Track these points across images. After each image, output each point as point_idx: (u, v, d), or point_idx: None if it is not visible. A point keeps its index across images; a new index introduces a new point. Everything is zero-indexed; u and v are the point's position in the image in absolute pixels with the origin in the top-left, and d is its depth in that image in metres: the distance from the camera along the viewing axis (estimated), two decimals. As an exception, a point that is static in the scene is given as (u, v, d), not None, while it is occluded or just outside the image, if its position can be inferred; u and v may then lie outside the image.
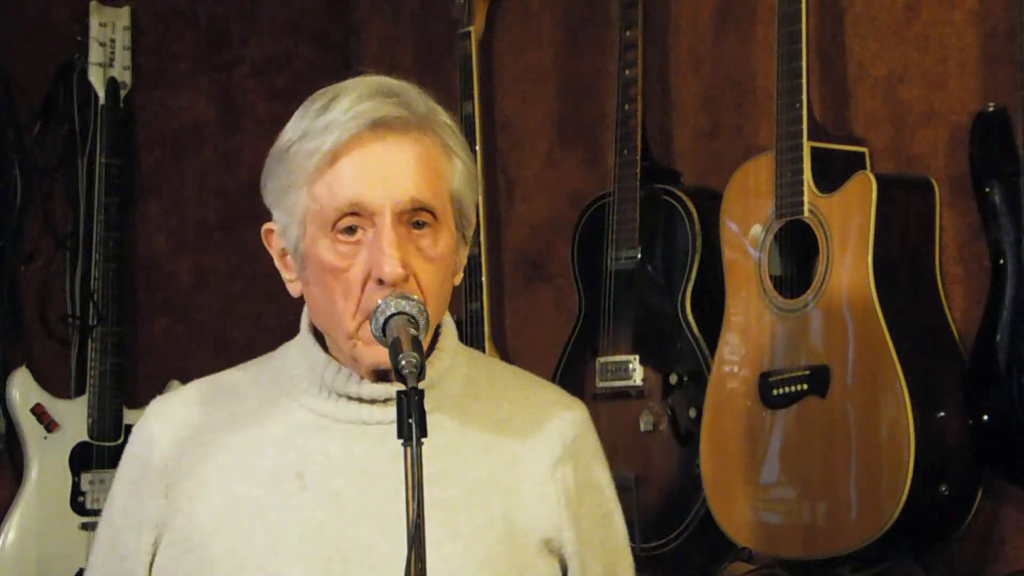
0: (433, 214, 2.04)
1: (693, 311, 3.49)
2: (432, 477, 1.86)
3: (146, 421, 2.17)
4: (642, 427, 3.50)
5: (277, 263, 2.14)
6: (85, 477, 4.20)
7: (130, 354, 4.38)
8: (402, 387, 1.87)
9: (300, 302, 2.16)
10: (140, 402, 3.83)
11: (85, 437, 4.22)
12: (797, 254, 3.24)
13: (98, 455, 4.20)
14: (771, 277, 3.25)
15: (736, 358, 3.30)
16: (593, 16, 3.99)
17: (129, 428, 2.20)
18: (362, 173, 2.02)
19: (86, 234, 4.29)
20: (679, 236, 3.52)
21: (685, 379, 3.47)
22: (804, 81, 3.19)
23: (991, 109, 3.01)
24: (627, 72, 3.62)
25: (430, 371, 2.02)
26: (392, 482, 1.98)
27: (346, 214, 2.02)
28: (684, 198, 3.53)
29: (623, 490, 3.38)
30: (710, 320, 3.41)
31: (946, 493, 3.05)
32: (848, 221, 3.13)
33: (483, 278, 4.00)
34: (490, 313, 4.01)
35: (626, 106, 3.62)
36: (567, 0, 4.10)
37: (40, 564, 4.14)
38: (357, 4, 4.71)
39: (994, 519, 3.12)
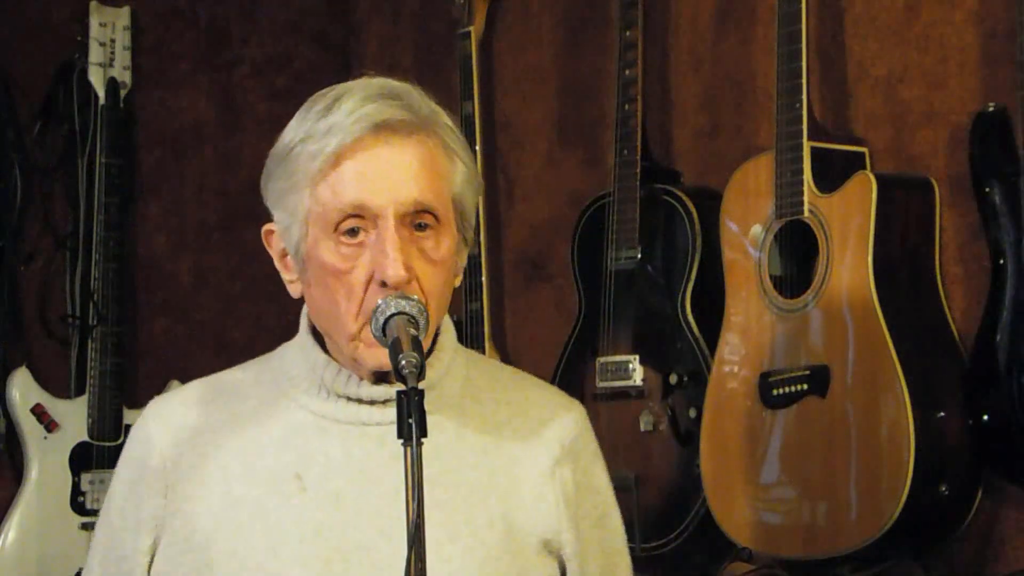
0: (435, 216, 2.04)
1: (693, 311, 3.49)
2: (431, 478, 1.86)
3: (144, 422, 2.17)
4: (642, 427, 3.50)
5: (277, 264, 2.14)
6: (85, 477, 4.20)
7: (130, 354, 4.38)
8: (402, 387, 1.87)
9: (300, 302, 2.16)
10: (140, 402, 3.83)
11: (85, 437, 4.22)
12: (797, 254, 3.24)
13: (98, 455, 4.20)
14: (771, 277, 3.25)
15: (736, 358, 3.30)
16: (593, 16, 3.99)
17: (129, 428, 2.20)
18: (365, 175, 2.02)
19: (86, 234, 4.30)
20: (679, 236, 3.52)
21: (685, 379, 3.47)
22: (804, 81, 3.19)
23: (991, 109, 3.01)
24: (627, 72, 3.62)
25: (430, 372, 2.02)
26: (392, 483, 1.99)
27: (349, 216, 2.02)
28: (684, 198, 3.53)
29: (623, 490, 3.39)
30: (710, 320, 3.41)
31: (946, 493, 3.05)
32: (848, 221, 3.13)
33: (483, 278, 4.00)
34: (490, 313, 4.01)
35: (626, 106, 3.62)
36: (567, 0, 4.10)
37: (40, 564, 4.14)
38: (357, 4, 4.71)
39: (994, 519, 3.12)
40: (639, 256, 3.57)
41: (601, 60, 3.91)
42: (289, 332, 2.18)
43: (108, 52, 4.32)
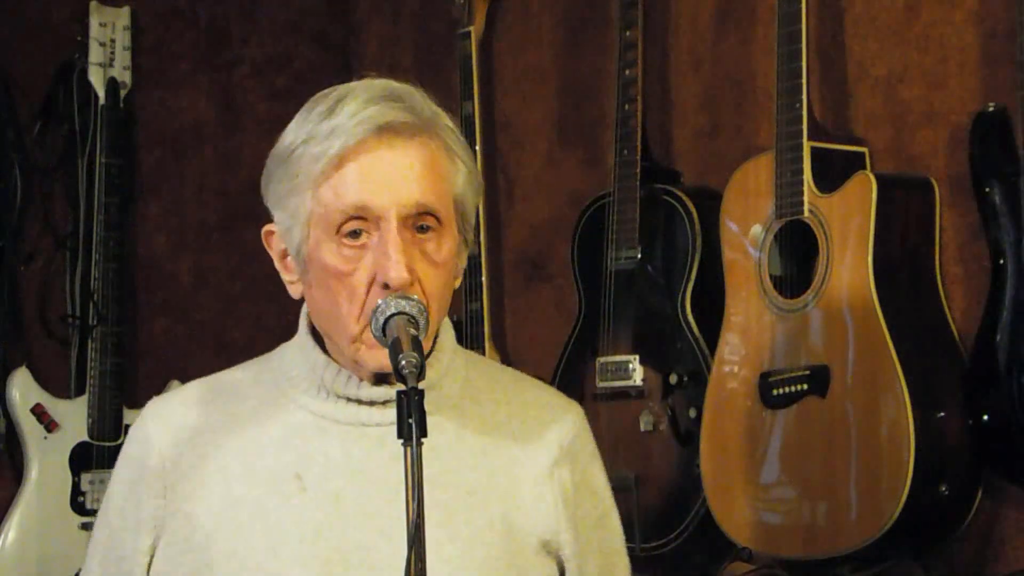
0: (437, 218, 2.04)
1: (693, 311, 3.49)
2: (431, 478, 1.86)
3: (143, 422, 2.17)
4: (642, 427, 3.50)
5: (277, 264, 2.14)
6: (85, 477, 4.20)
7: (130, 354, 4.38)
8: (402, 388, 1.87)
9: (300, 302, 2.16)
10: (140, 402, 3.81)
11: (85, 437, 4.22)
12: (797, 254, 3.24)
13: (98, 455, 4.20)
14: (771, 277, 3.25)
15: (736, 358, 3.30)
16: (593, 16, 3.99)
17: (129, 428, 2.20)
18: (368, 177, 2.02)
19: (86, 234, 4.29)
20: (679, 236, 3.52)
21: (685, 379, 3.47)
22: (804, 81, 3.19)
23: (991, 109, 3.01)
24: (627, 72, 3.62)
25: (429, 372, 2.02)
26: (391, 484, 1.99)
27: (351, 218, 2.02)
28: (684, 198, 3.53)
29: (623, 490, 3.40)
30: (710, 320, 3.41)
31: (946, 493, 3.05)
32: (848, 221, 3.13)
33: (483, 278, 4.00)
34: (490, 313, 4.01)
35: (626, 106, 3.62)
36: (567, 0, 4.10)
37: (40, 564, 4.14)
38: (357, 4, 4.71)
39: (994, 519, 3.12)
40: (639, 256, 3.57)
41: (601, 60, 3.91)
42: (289, 332, 2.18)
43: (108, 52, 4.32)
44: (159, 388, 4.12)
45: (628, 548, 2.28)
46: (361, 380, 2.09)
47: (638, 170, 3.58)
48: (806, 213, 3.19)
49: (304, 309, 2.15)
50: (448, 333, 2.17)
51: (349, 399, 2.09)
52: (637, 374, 3.54)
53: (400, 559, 1.83)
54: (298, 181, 2.04)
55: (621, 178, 3.60)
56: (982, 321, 3.01)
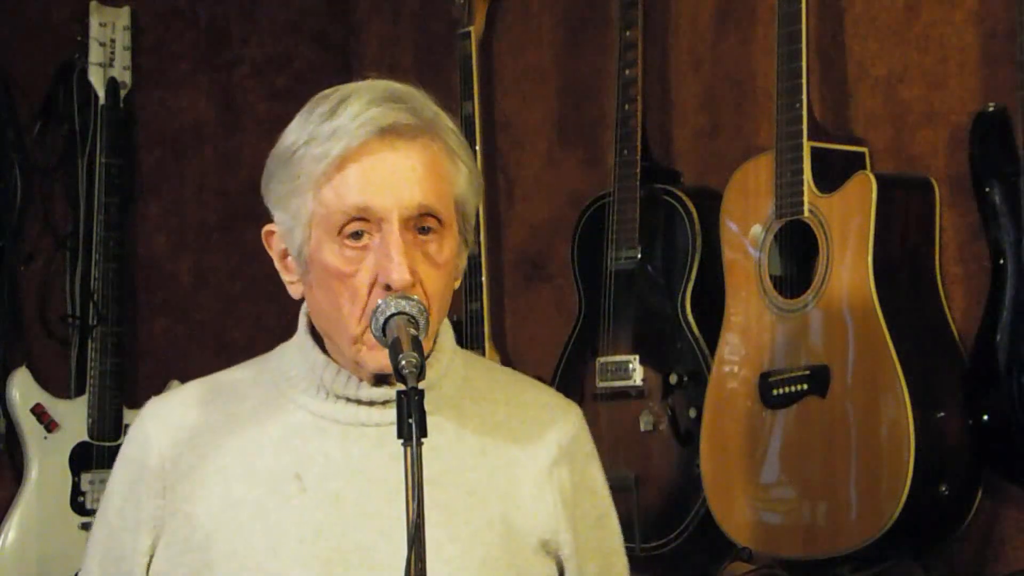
0: (439, 219, 2.04)
1: (693, 311, 3.49)
2: (431, 478, 1.86)
3: (142, 422, 2.17)
4: (642, 427, 3.50)
5: (277, 264, 2.14)
6: (85, 477, 4.20)
7: (130, 354, 4.38)
8: (402, 388, 1.87)
9: (300, 302, 2.16)
10: (140, 402, 3.80)
11: (85, 437, 4.22)
12: (797, 254, 3.24)
13: (98, 455, 4.20)
14: (771, 277, 3.25)
15: (736, 358, 3.30)
16: (593, 16, 3.99)
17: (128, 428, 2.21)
18: (371, 179, 2.02)
19: (86, 234, 4.29)
20: (679, 236, 3.52)
21: (685, 379, 3.47)
22: (804, 81, 3.19)
23: (991, 109, 3.01)
24: (627, 72, 3.62)
25: (429, 372, 2.02)
26: (391, 484, 1.99)
27: (353, 219, 2.02)
28: (684, 198, 3.53)
29: (623, 490, 3.41)
30: (710, 320, 3.41)
31: (946, 493, 3.05)
32: (848, 221, 3.13)
33: (483, 278, 4.00)
34: (490, 313, 4.01)
35: (626, 106, 3.62)
36: (567, 0, 4.10)
37: (40, 564, 4.14)
38: (357, 4, 4.71)
39: (994, 519, 3.12)
40: (639, 256, 3.57)
41: (601, 60, 3.91)
42: (289, 332, 2.18)
43: (108, 52, 4.31)
44: (159, 388, 4.12)
45: (628, 548, 2.28)
46: (361, 380, 2.09)
47: (638, 170, 3.58)
48: (806, 213, 3.19)
49: (303, 309, 2.15)
50: (447, 333, 2.17)
51: (348, 399, 2.09)
52: (637, 374, 3.54)
53: (400, 559, 1.83)
54: (300, 182, 2.04)
55: (621, 178, 3.60)
56: (982, 321, 3.01)
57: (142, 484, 2.11)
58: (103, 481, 4.14)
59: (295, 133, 2.06)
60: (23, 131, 4.29)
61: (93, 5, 4.31)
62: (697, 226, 3.49)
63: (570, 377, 3.66)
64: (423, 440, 1.84)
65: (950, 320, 3.15)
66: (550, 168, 4.12)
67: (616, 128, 3.63)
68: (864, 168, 3.27)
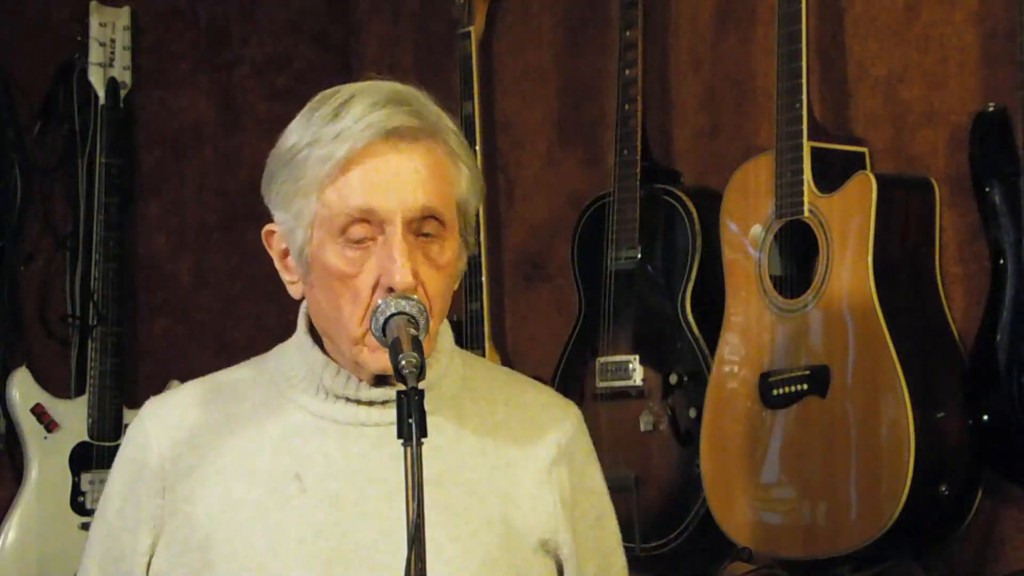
0: (441, 222, 2.05)
1: (693, 311, 3.49)
2: (430, 478, 1.86)
3: (141, 422, 2.17)
4: (642, 427, 3.50)
5: (277, 264, 2.14)
6: (85, 477, 4.20)
7: (130, 354, 4.38)
8: (402, 388, 1.87)
9: (300, 302, 2.16)
10: (140, 402, 3.80)
11: (85, 437, 4.22)
12: (797, 254, 3.24)
13: (98, 455, 4.20)
14: (771, 277, 3.25)
15: (736, 358, 3.30)
16: (593, 16, 3.99)
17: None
18: (374, 181, 2.02)
19: (86, 234, 4.29)
20: (679, 236, 3.52)
21: (685, 379, 3.47)
22: (804, 81, 3.19)
23: (991, 109, 3.01)
24: (627, 72, 3.62)
25: (429, 372, 2.02)
26: (391, 484, 1.99)
27: (356, 220, 2.02)
28: (684, 198, 3.53)
29: (623, 490, 3.41)
30: (710, 320, 3.41)
31: (946, 493, 3.05)
32: (848, 221, 3.13)
33: (483, 278, 4.00)
34: (490, 313, 4.01)
35: (626, 106, 3.62)
36: (567, 0, 4.10)
37: (40, 564, 4.14)
38: (357, 4, 4.71)
39: (994, 519, 3.12)
40: (639, 256, 3.57)
41: (601, 60, 3.91)
42: (289, 332, 2.18)
43: (108, 52, 4.31)
44: (159, 388, 4.12)
45: (628, 548, 2.28)
46: (360, 380, 2.09)
47: (638, 170, 3.58)
48: (806, 213, 3.19)
49: (303, 309, 2.15)
50: (447, 334, 2.17)
51: (348, 399, 2.09)
52: (637, 374, 3.54)
53: (400, 559, 1.83)
54: (303, 184, 2.04)
55: (621, 178, 3.60)
56: (982, 321, 3.01)
57: (142, 484, 2.11)
58: (103, 481, 4.12)
59: (297, 134, 2.06)
60: (23, 131, 4.29)
61: (93, 5, 4.31)
62: (697, 226, 3.49)
63: (570, 377, 3.66)
64: (423, 440, 1.84)
65: (950, 320, 3.15)
66: (550, 168, 4.12)
67: (616, 128, 3.63)
68: (864, 168, 3.27)
